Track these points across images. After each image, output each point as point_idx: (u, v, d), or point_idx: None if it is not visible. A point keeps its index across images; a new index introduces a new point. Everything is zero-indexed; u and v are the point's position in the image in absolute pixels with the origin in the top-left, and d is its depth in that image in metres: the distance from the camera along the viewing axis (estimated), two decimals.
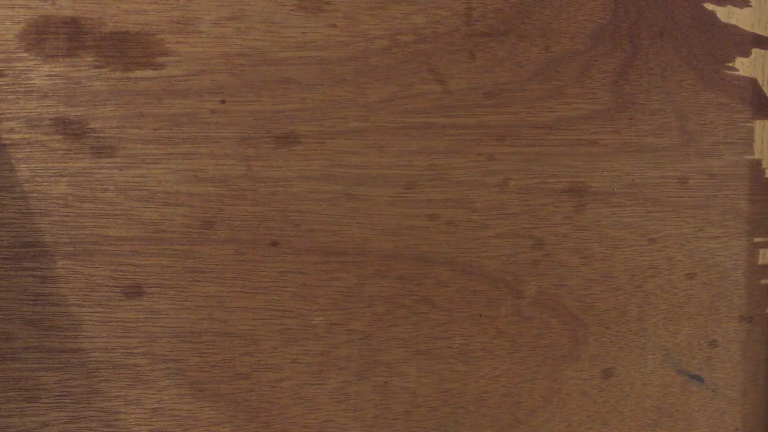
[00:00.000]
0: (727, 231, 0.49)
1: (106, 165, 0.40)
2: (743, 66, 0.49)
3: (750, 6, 0.49)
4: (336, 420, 0.43)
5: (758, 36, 0.49)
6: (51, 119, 0.39)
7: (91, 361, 0.40)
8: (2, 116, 0.39)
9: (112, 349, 0.40)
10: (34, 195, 0.39)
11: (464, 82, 0.44)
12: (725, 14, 0.49)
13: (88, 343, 0.40)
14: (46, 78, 0.39)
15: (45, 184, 0.39)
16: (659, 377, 0.49)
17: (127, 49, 0.40)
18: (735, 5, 0.49)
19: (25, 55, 0.39)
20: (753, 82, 0.49)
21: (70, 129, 0.40)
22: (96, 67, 0.40)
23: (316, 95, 0.42)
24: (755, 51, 0.49)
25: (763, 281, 0.50)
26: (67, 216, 0.40)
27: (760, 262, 0.50)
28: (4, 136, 0.39)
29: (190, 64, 0.41)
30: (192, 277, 0.41)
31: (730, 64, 0.49)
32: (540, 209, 0.46)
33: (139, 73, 0.40)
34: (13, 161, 0.39)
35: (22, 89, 0.39)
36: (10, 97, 0.39)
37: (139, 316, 0.41)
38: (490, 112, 0.45)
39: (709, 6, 0.48)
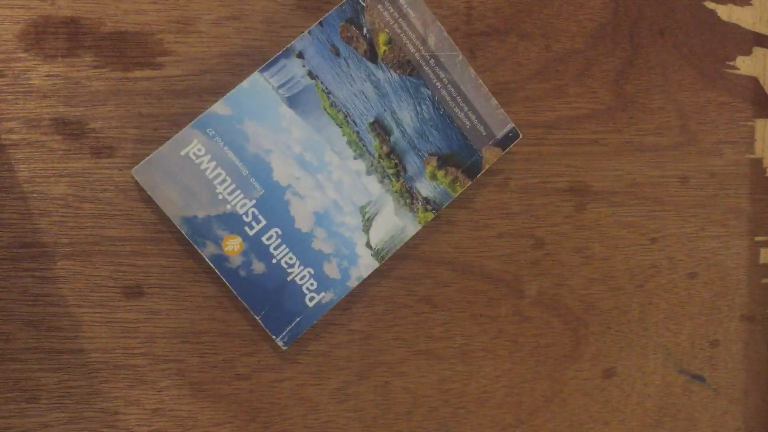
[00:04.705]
0: (728, 230, 0.49)
1: (106, 165, 0.40)
2: (744, 64, 0.49)
3: (751, 5, 0.49)
4: (336, 420, 0.43)
5: (759, 34, 0.49)
6: (50, 119, 0.39)
7: (92, 361, 0.40)
8: (2, 116, 0.39)
9: (112, 349, 0.40)
10: (34, 195, 0.39)
11: None
12: (726, 13, 0.48)
13: (88, 344, 0.40)
14: (46, 78, 0.39)
15: (45, 184, 0.39)
16: (661, 377, 0.48)
17: (126, 49, 0.40)
18: (736, 4, 0.49)
19: (24, 55, 0.39)
20: (754, 80, 0.49)
21: (70, 129, 0.40)
22: (95, 67, 0.40)
23: None
24: (756, 50, 0.49)
25: (764, 280, 0.50)
26: (66, 216, 0.40)
27: (762, 261, 0.50)
28: (4, 136, 0.39)
29: (190, 64, 0.41)
30: (192, 277, 0.41)
31: (731, 63, 0.49)
32: (540, 209, 0.46)
33: (138, 73, 0.40)
34: (13, 162, 0.39)
35: (22, 89, 0.39)
36: (9, 97, 0.39)
37: (139, 316, 0.40)
38: None
39: (710, 5, 0.48)
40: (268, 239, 0.40)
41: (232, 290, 0.40)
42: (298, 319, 0.41)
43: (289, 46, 0.41)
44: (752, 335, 0.50)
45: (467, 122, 0.43)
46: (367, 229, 0.42)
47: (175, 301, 0.41)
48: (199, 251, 0.40)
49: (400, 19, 0.42)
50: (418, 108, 0.42)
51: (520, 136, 0.44)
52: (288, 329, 0.41)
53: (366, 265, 0.42)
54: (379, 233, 0.42)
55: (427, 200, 0.43)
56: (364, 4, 0.41)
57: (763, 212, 0.50)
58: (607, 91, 0.47)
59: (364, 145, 0.42)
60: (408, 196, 0.42)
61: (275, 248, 0.41)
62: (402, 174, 0.42)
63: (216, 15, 0.41)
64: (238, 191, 0.40)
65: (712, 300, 0.49)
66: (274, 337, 0.41)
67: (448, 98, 0.43)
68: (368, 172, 0.42)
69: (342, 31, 0.41)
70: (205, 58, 0.41)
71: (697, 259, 0.49)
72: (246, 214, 0.40)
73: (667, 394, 0.49)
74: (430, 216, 0.43)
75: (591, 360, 0.47)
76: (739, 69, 0.49)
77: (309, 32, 0.41)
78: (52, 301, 0.40)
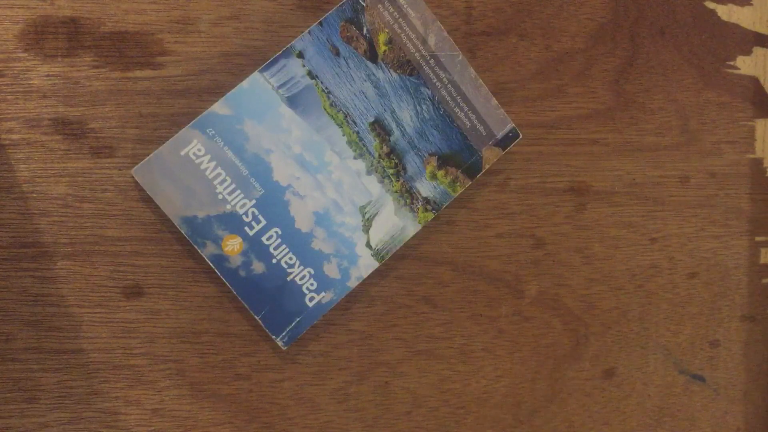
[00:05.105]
0: (728, 230, 0.49)
1: (106, 165, 0.40)
2: (744, 64, 0.49)
3: (751, 4, 0.49)
4: (336, 420, 0.43)
5: (759, 34, 0.49)
6: (50, 119, 0.39)
7: (91, 361, 0.40)
8: (2, 116, 0.39)
9: (112, 349, 0.40)
10: (34, 195, 0.39)
11: None
12: (726, 13, 0.48)
13: (88, 344, 0.40)
14: (45, 78, 0.39)
15: (44, 184, 0.39)
16: (661, 377, 0.48)
17: (126, 48, 0.40)
18: (736, 4, 0.49)
19: (24, 55, 0.39)
20: (754, 80, 0.49)
21: (70, 129, 0.40)
22: (95, 67, 0.40)
23: None
24: (756, 49, 0.49)
25: (765, 280, 0.50)
26: (66, 216, 0.40)
27: (762, 261, 0.50)
28: (4, 136, 0.39)
29: (190, 64, 0.41)
30: (192, 277, 0.41)
31: (732, 63, 0.49)
32: (541, 209, 0.46)
33: (138, 73, 0.40)
34: (13, 162, 0.39)
35: (22, 89, 0.39)
36: (9, 97, 0.39)
37: (139, 316, 0.40)
38: None
39: (710, 4, 0.48)
40: (268, 239, 0.40)
41: (232, 290, 0.40)
42: (298, 319, 0.41)
43: (289, 46, 0.41)
44: (752, 335, 0.50)
45: (467, 122, 0.43)
46: (367, 229, 0.42)
47: (175, 301, 0.41)
48: (199, 251, 0.40)
49: (400, 19, 0.42)
50: (418, 108, 0.42)
51: (520, 136, 0.44)
52: (288, 329, 0.41)
53: (366, 265, 0.42)
54: (379, 233, 0.42)
55: (427, 200, 0.43)
56: (364, 4, 0.41)
57: (763, 212, 0.50)
58: (607, 91, 0.47)
59: (364, 145, 0.42)
60: (408, 196, 0.42)
61: (275, 248, 0.41)
62: (402, 174, 0.42)
63: (216, 15, 0.41)
64: (238, 191, 0.40)
65: (712, 300, 0.49)
66: (274, 337, 0.41)
67: (448, 98, 0.43)
68: (368, 172, 0.42)
69: (342, 31, 0.41)
70: (205, 58, 0.41)
71: (697, 259, 0.49)
72: (246, 214, 0.40)
73: (667, 394, 0.49)
74: (430, 216, 0.43)
75: (591, 360, 0.47)
76: (739, 69, 0.49)
77: (309, 32, 0.41)
78: (52, 301, 0.40)
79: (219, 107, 0.40)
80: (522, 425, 0.46)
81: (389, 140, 0.42)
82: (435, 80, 0.42)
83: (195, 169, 0.40)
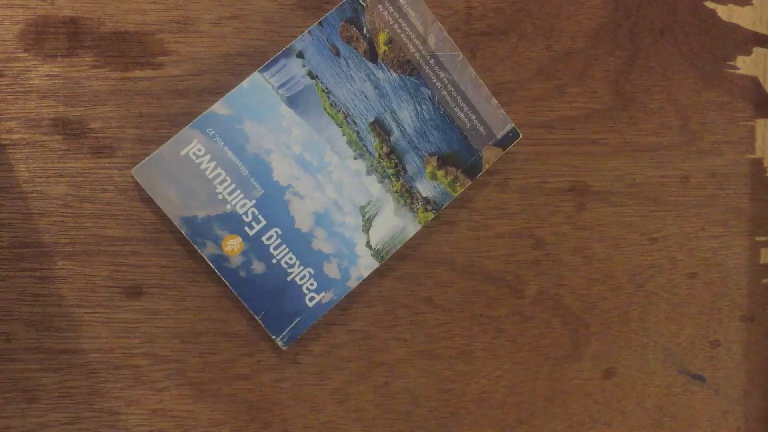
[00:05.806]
0: (728, 230, 0.49)
1: (106, 165, 0.40)
2: (744, 64, 0.49)
3: (751, 4, 0.49)
4: (336, 420, 0.43)
5: (759, 34, 0.49)
6: (50, 119, 0.39)
7: (91, 361, 0.40)
8: (2, 116, 0.39)
9: (112, 349, 0.40)
10: (34, 195, 0.39)
11: None
12: (726, 13, 0.48)
13: (88, 344, 0.40)
14: (46, 78, 0.39)
15: (44, 184, 0.39)
16: (661, 377, 0.48)
17: (126, 48, 0.40)
18: (736, 4, 0.49)
19: (24, 55, 0.39)
20: (754, 80, 0.49)
21: (70, 129, 0.40)
22: (95, 67, 0.40)
23: None
24: (756, 50, 0.49)
25: (765, 280, 0.50)
26: (66, 216, 0.40)
27: (762, 261, 0.50)
28: (4, 136, 0.39)
29: (190, 64, 0.41)
30: (192, 277, 0.41)
31: (732, 63, 0.49)
32: (541, 209, 0.46)
33: (138, 73, 0.40)
34: (13, 162, 0.39)
35: (22, 89, 0.39)
36: (9, 97, 0.39)
37: (139, 316, 0.40)
38: None
39: (710, 4, 0.48)
40: (268, 239, 0.40)
41: (232, 290, 0.40)
42: (298, 319, 0.41)
43: (289, 46, 0.41)
44: (752, 335, 0.50)
45: (467, 122, 0.43)
46: (367, 229, 0.42)
47: (175, 301, 0.41)
48: (199, 251, 0.40)
49: (400, 19, 0.42)
50: (418, 108, 0.42)
51: (520, 136, 0.44)
52: (288, 329, 0.41)
53: (366, 265, 0.42)
54: (379, 233, 0.42)
55: (427, 200, 0.43)
56: (364, 4, 0.41)
57: (763, 212, 0.50)
58: (607, 91, 0.47)
59: (364, 145, 0.42)
60: (408, 196, 0.42)
61: (275, 248, 0.41)
62: (402, 174, 0.42)
63: (216, 15, 0.41)
64: (238, 191, 0.40)
65: (713, 300, 0.49)
66: (274, 337, 0.41)
67: (448, 98, 0.43)
68: (368, 172, 0.42)
69: (342, 31, 0.41)
70: (205, 58, 0.41)
71: (697, 259, 0.49)
72: (246, 214, 0.40)
73: (667, 394, 0.49)
74: (430, 216, 0.43)
75: (591, 360, 0.47)
76: (739, 69, 0.49)
77: (309, 32, 0.41)
78: (52, 301, 0.40)
79: (219, 107, 0.40)
80: (522, 425, 0.46)
81: (389, 140, 0.42)
82: (435, 80, 0.42)
83: (195, 169, 0.40)
